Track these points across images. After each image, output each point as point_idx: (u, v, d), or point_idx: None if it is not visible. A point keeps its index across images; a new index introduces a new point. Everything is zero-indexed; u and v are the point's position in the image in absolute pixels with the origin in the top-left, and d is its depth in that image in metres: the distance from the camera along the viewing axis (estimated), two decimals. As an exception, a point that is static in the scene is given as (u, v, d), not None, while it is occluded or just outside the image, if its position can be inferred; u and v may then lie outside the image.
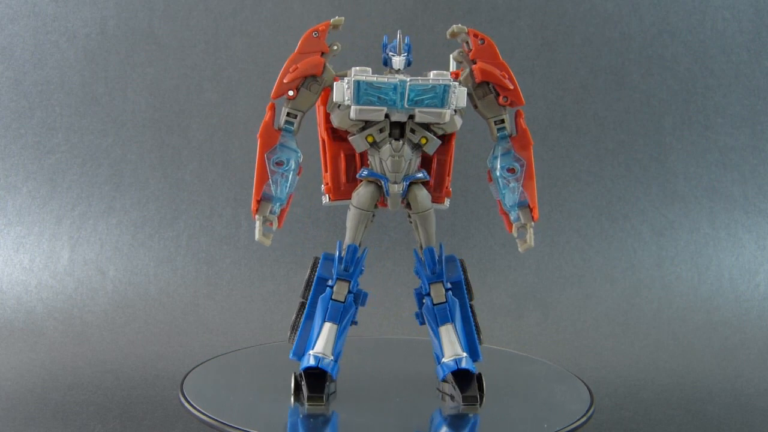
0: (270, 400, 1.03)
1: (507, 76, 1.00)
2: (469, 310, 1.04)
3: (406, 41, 1.00)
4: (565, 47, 1.86)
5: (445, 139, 1.03)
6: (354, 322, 1.07)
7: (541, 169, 1.86)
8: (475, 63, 1.00)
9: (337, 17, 1.00)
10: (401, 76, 0.96)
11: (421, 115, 0.96)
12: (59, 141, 1.86)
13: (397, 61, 0.98)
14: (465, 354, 1.00)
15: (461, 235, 1.80)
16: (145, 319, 1.68)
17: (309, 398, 0.98)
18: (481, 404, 1.00)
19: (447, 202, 1.07)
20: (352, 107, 0.96)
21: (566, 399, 1.07)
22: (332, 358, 1.00)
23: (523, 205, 1.01)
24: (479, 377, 1.02)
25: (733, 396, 1.41)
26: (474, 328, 1.04)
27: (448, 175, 1.06)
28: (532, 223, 1.01)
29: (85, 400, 1.32)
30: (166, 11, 1.86)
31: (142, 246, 1.81)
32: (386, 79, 0.95)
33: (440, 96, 0.95)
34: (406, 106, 0.96)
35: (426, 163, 1.05)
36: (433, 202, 1.05)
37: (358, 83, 0.95)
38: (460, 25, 1.01)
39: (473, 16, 1.84)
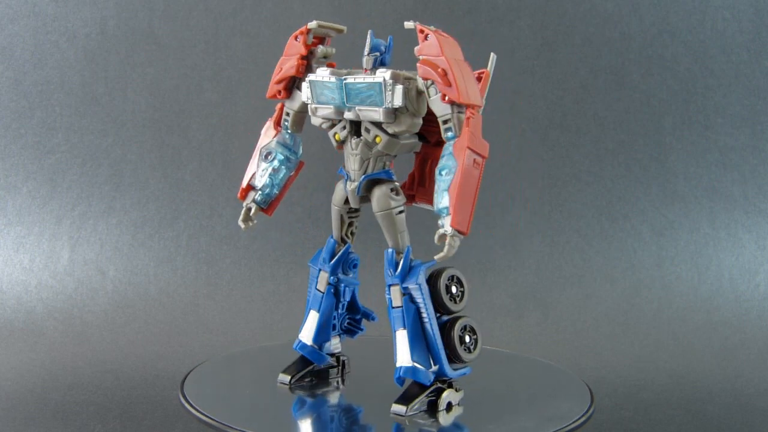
0: (270, 400, 1.03)
1: (445, 72, 0.92)
2: (430, 320, 0.97)
3: (388, 41, 0.99)
4: (565, 47, 1.86)
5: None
6: (372, 318, 1.11)
7: (541, 169, 1.87)
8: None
9: (313, 21, 1.01)
10: (348, 76, 0.97)
11: (362, 113, 0.97)
12: (59, 141, 1.86)
13: (365, 60, 0.98)
14: (415, 363, 0.96)
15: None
16: (145, 319, 1.68)
17: (282, 373, 1.07)
18: (435, 417, 0.97)
19: None
20: (311, 105, 1.00)
21: (566, 399, 1.06)
22: (312, 344, 1.06)
23: (445, 212, 0.92)
24: (439, 392, 0.98)
25: (733, 396, 1.41)
26: (437, 341, 0.97)
27: None
28: (450, 231, 0.91)
29: (85, 400, 1.32)
30: (166, 11, 1.86)
31: (142, 246, 1.81)
32: (328, 79, 0.97)
33: (379, 94, 0.95)
34: (347, 104, 0.96)
35: (423, 164, 1.05)
36: (430, 204, 1.05)
37: (312, 83, 0.98)
38: (411, 21, 0.98)
39: (473, 16, 1.84)
